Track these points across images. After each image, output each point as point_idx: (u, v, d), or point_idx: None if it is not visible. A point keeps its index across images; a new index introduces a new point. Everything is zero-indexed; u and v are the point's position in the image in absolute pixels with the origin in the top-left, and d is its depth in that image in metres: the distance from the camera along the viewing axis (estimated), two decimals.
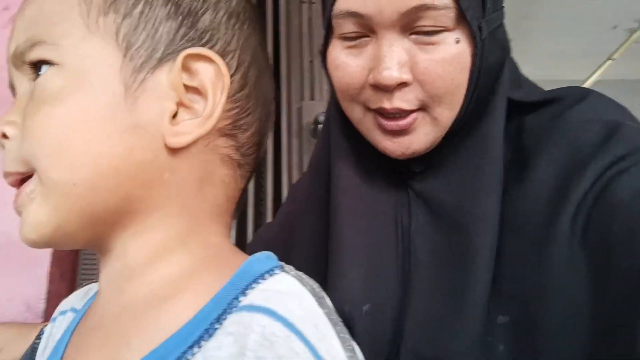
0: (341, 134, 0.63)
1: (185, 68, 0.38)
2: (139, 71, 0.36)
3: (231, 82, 0.39)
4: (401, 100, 0.52)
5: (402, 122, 0.53)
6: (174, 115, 0.37)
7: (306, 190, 0.73)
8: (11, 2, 1.16)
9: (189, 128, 0.37)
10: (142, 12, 0.38)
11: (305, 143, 1.24)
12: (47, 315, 0.98)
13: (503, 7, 0.57)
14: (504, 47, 0.58)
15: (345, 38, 0.54)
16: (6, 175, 0.38)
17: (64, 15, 0.37)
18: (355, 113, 0.57)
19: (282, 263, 0.38)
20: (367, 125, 0.56)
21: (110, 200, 0.36)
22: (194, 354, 0.31)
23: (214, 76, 0.38)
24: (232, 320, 0.31)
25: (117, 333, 0.35)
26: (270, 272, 0.35)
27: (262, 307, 0.32)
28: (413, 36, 0.51)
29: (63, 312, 0.49)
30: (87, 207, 0.35)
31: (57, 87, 0.36)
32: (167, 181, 0.37)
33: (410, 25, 0.51)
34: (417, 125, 0.54)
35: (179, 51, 0.37)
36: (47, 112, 0.36)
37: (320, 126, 1.22)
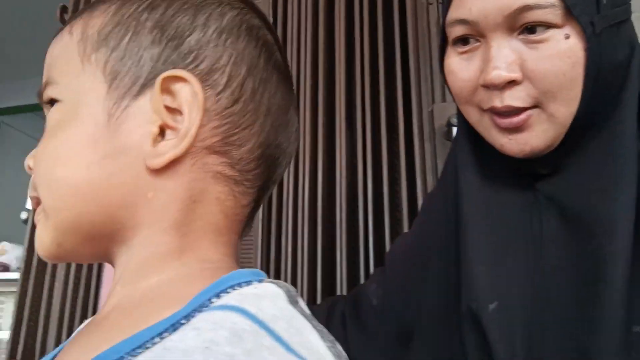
0: (465, 138, 0.66)
1: (168, 91, 0.39)
2: (122, 99, 0.39)
3: (219, 99, 0.40)
4: (512, 98, 0.54)
5: (516, 119, 0.55)
6: (163, 137, 0.39)
7: (438, 198, 0.75)
8: None
9: (166, 149, 0.38)
10: (128, 42, 0.40)
11: (438, 146, 1.23)
12: None
13: (628, 3, 0.57)
14: (632, 44, 0.57)
15: (457, 45, 0.59)
16: (31, 198, 0.43)
17: (66, 56, 0.41)
18: (472, 115, 0.60)
19: (265, 278, 0.39)
20: (485, 126, 0.59)
21: (97, 221, 0.39)
22: (154, 344, 0.31)
23: (190, 96, 0.39)
24: (201, 318, 0.32)
25: (100, 330, 0.38)
26: (248, 282, 0.36)
27: (235, 306, 0.33)
28: (521, 36, 0.54)
29: None
30: (78, 228, 0.39)
31: (55, 121, 0.41)
32: (151, 200, 0.39)
33: (516, 25, 0.54)
34: (533, 122, 0.55)
35: (158, 75, 0.39)
36: (45, 145, 0.41)
37: (454, 128, 1.21)
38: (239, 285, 0.35)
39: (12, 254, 2.36)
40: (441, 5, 0.64)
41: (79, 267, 1.29)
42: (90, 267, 1.26)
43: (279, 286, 0.36)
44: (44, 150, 0.41)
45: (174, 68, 0.39)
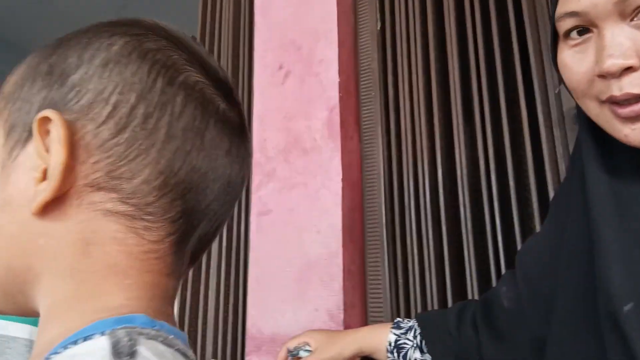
0: (588, 133, 0.64)
1: (45, 132, 0.38)
2: (13, 149, 0.39)
3: (98, 132, 0.38)
4: (631, 85, 0.53)
5: (637, 107, 0.53)
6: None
7: (567, 195, 0.73)
8: (285, 60, 1.39)
9: (39, 192, 0.37)
10: (25, 91, 0.40)
11: (569, 131, 1.15)
12: (346, 324, 1.16)
13: None
14: None
15: (569, 38, 0.58)
16: None
17: None
18: (591, 108, 0.59)
19: (129, 326, 0.35)
20: (605, 118, 0.57)
21: (1, 275, 0.39)
22: None
23: (56, 134, 0.37)
24: None
25: None
26: (86, 337, 0.33)
27: None
28: (634, 21, 0.53)
29: None
30: None
31: None
32: (43, 247, 0.37)
33: (627, 11, 0.52)
34: None
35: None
36: None
37: None
38: (75, 342, 0.33)
39: None
40: (550, 2, 0.63)
41: (227, 276, 1.42)
42: (237, 275, 1.38)
43: (111, 339, 0.33)
44: None
45: (52, 109, 0.38)
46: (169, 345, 0.36)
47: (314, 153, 1.28)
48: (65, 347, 0.33)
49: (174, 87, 0.40)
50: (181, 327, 1.44)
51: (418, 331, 0.96)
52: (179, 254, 0.42)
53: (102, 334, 0.33)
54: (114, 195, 0.38)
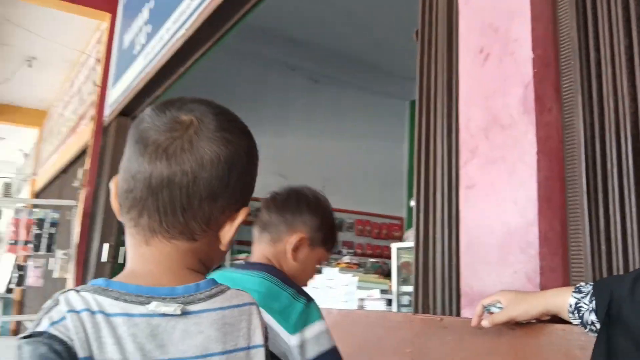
0: None
1: None
2: None
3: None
4: None
5: None
6: None
7: None
8: (485, 44, 1.50)
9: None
10: None
11: None
12: (543, 287, 1.24)
13: None
14: None
15: None
16: None
17: None
18: None
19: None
20: None
21: None
22: None
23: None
24: None
25: None
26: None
27: None
28: None
29: None
30: None
31: None
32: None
33: None
34: None
35: None
36: None
37: None
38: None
39: None
40: None
41: (450, 242, 1.61)
42: (450, 242, 1.57)
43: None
44: None
45: None
46: (91, 291, 0.66)
47: (511, 129, 1.37)
48: None
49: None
50: (418, 284, 1.70)
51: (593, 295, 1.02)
52: (139, 230, 0.72)
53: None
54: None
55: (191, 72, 4.28)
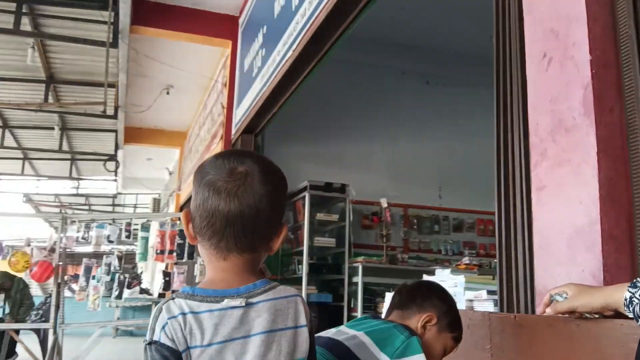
0: None
1: None
2: None
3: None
4: None
5: None
6: None
7: None
8: (547, 49, 1.55)
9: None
10: None
11: None
12: (607, 283, 1.28)
13: None
14: None
15: None
16: None
17: None
18: None
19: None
20: None
21: None
22: None
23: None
24: None
25: None
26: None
27: None
28: None
29: None
30: None
31: None
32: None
33: None
34: None
35: None
36: None
37: None
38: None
39: None
40: None
41: (515, 244, 1.67)
42: (523, 242, 1.62)
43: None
44: None
45: None
46: (182, 297, 0.92)
47: (574, 131, 1.41)
48: None
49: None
50: (502, 284, 1.77)
51: None
52: (219, 251, 0.98)
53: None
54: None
55: (306, 85, 4.59)
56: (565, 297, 1.24)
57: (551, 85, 1.51)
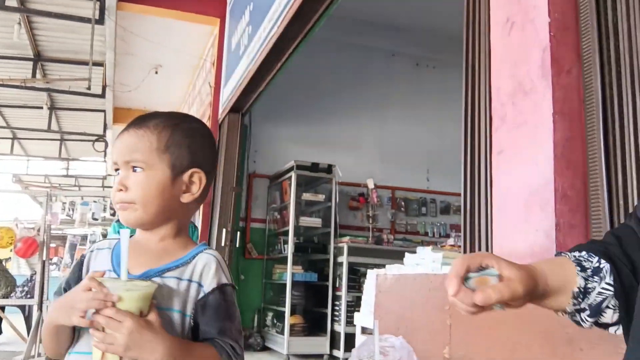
0: None
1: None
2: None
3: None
4: None
5: None
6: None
7: None
8: (510, 14, 1.55)
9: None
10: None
11: None
12: (558, 242, 1.29)
13: None
14: None
15: None
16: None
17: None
18: None
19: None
20: None
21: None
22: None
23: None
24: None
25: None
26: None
27: None
28: None
29: None
30: None
31: None
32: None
33: None
34: None
35: None
36: None
37: None
38: None
39: None
40: None
41: (478, 206, 1.68)
42: (485, 205, 1.64)
43: None
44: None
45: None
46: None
47: (532, 93, 1.42)
48: None
49: None
50: (465, 247, 1.79)
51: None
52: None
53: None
54: None
55: (295, 65, 4.55)
56: (496, 275, 0.79)
57: (513, 50, 1.51)
